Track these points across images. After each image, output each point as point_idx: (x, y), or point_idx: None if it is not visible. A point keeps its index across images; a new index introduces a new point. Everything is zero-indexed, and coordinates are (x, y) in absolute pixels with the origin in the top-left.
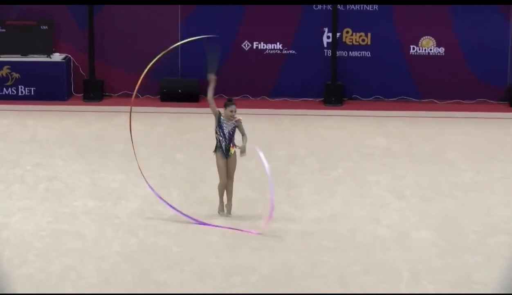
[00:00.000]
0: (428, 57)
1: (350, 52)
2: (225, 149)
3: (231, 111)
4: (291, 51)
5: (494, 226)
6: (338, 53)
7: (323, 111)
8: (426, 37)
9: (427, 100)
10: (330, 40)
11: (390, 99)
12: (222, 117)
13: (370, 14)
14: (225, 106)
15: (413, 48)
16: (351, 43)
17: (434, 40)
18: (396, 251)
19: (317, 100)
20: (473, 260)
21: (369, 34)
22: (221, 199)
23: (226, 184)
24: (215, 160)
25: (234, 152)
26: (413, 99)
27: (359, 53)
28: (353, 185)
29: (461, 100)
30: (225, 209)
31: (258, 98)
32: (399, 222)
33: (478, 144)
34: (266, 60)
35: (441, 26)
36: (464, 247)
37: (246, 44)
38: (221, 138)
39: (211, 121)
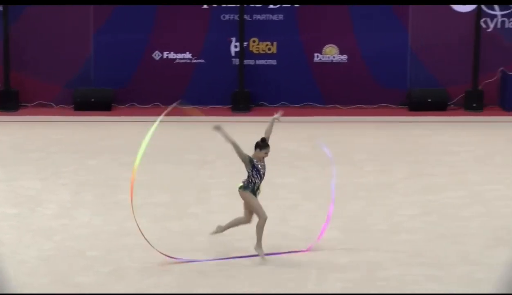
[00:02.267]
0: (331, 65)
1: (256, 60)
2: (257, 188)
3: (266, 153)
4: (200, 60)
5: (397, 225)
6: (245, 61)
7: (231, 117)
8: (330, 45)
9: (331, 105)
10: (237, 49)
11: (296, 105)
12: (254, 160)
13: (275, 23)
14: (260, 148)
15: (317, 56)
16: (257, 52)
17: (337, 48)
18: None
19: (226, 107)
20: (378, 258)
21: (275, 43)
22: (225, 228)
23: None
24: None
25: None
26: (317, 104)
27: (266, 61)
28: (264, 187)
29: (363, 105)
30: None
31: (168, 106)
32: (307, 222)
33: (380, 146)
34: (176, 69)
35: (344, 34)
36: (369, 246)
37: (157, 54)
38: (257, 180)
39: (124, 129)
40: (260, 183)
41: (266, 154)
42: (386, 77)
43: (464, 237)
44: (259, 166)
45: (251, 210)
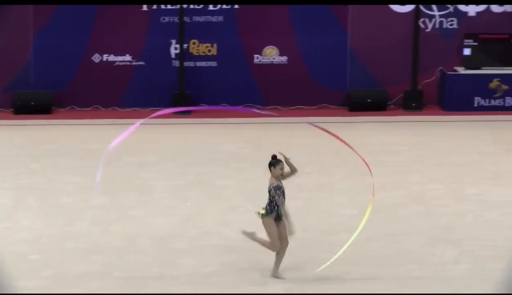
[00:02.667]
0: (271, 66)
1: (197, 62)
2: (280, 213)
3: (281, 169)
4: (140, 63)
5: (338, 225)
6: (186, 63)
7: (172, 119)
8: (270, 46)
9: (271, 106)
10: (177, 51)
11: (236, 106)
12: (275, 182)
13: (215, 25)
14: (274, 166)
15: (257, 57)
16: (197, 54)
17: (277, 49)
18: (246, 252)
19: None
20: (318, 258)
21: (215, 45)
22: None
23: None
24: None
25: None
26: (257, 106)
27: (206, 63)
28: (204, 189)
29: (303, 106)
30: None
31: (109, 109)
32: (248, 224)
33: (321, 147)
34: (116, 71)
35: (284, 35)
36: (309, 246)
37: (97, 57)
38: (282, 205)
39: (65, 132)
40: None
41: (281, 169)
42: (326, 78)
43: (403, 236)
44: (282, 185)
45: (268, 235)
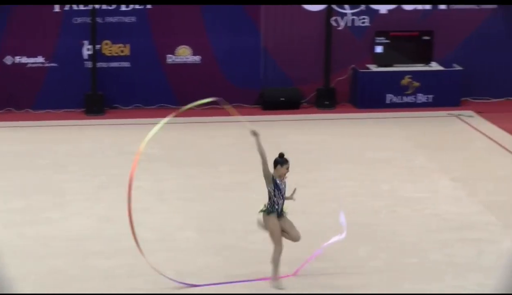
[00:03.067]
0: (185, 66)
1: (110, 63)
2: (280, 209)
3: (287, 168)
4: (52, 64)
5: (253, 224)
6: (98, 64)
7: (85, 121)
8: (182, 46)
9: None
10: (90, 52)
11: (149, 107)
12: (276, 178)
13: (128, 25)
14: (281, 164)
15: (170, 57)
16: (110, 54)
17: (190, 49)
18: (160, 253)
19: (79, 110)
20: (233, 257)
21: (128, 45)
22: (277, 268)
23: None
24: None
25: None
26: (171, 106)
27: (119, 64)
28: (117, 190)
29: (217, 106)
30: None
31: (22, 111)
32: (163, 224)
33: (235, 146)
34: (28, 73)
35: (196, 35)
36: (225, 245)
37: (8, 59)
38: (280, 201)
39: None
40: (283, 203)
41: (288, 169)
42: (239, 77)
43: (317, 233)
44: (281, 185)
45: (270, 236)
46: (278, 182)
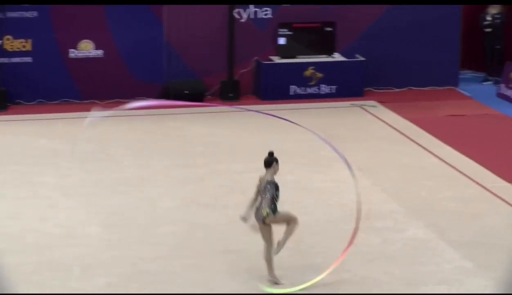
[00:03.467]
0: (87, 60)
1: (11, 58)
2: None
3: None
4: None
5: (158, 217)
6: (0, 60)
7: None
8: (85, 40)
9: (88, 101)
10: None
11: (53, 102)
12: (270, 178)
13: (30, 21)
14: (276, 161)
15: (72, 52)
16: (12, 50)
17: (92, 43)
18: (66, 248)
19: None
20: (140, 251)
21: (29, 41)
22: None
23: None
24: None
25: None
26: (75, 101)
27: (21, 59)
28: (21, 186)
29: (121, 100)
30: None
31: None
32: (67, 219)
33: (138, 140)
34: None
35: (99, 29)
36: (131, 239)
37: None
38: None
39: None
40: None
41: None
42: (143, 71)
43: (224, 225)
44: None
45: (286, 223)
46: (277, 182)
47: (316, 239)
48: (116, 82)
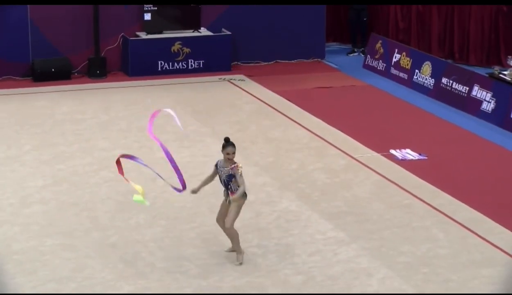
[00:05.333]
0: None
1: None
2: (225, 195)
3: (227, 153)
4: None
5: (28, 197)
6: None
7: None
8: None
9: None
10: None
11: None
12: (219, 162)
13: None
14: (222, 147)
15: None
16: None
17: None
18: None
19: None
20: (11, 231)
21: None
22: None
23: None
24: None
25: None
26: None
27: None
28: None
29: None
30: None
31: None
32: None
33: (5, 120)
34: None
35: None
36: (2, 220)
37: None
38: (223, 185)
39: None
40: (227, 189)
41: (228, 154)
42: (8, 50)
43: (94, 203)
44: (221, 169)
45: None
46: (219, 165)
47: (190, 214)
48: None
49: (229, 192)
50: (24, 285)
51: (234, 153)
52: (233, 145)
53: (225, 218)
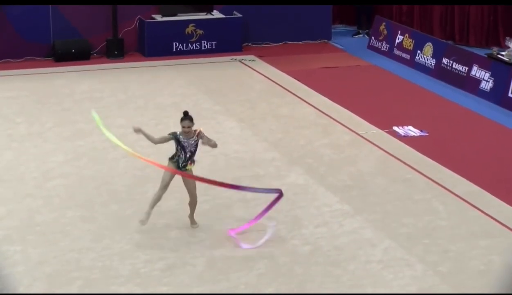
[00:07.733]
0: None
1: None
2: (181, 164)
3: (183, 127)
4: None
5: (50, 171)
6: None
7: None
8: None
9: None
10: None
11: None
12: (180, 136)
13: None
14: (180, 120)
15: None
16: None
17: None
18: None
19: None
20: (34, 204)
21: None
22: (150, 209)
23: (160, 196)
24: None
25: (191, 169)
26: None
27: None
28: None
29: (10, 60)
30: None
31: None
32: None
33: (33, 98)
34: None
35: None
36: (25, 194)
37: None
38: (181, 155)
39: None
40: (187, 159)
41: (184, 127)
42: (29, 31)
43: (112, 177)
44: (185, 143)
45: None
46: (181, 138)
47: (204, 187)
48: (3, 42)
49: (189, 162)
50: (47, 255)
51: (190, 127)
52: (190, 119)
53: (167, 187)
